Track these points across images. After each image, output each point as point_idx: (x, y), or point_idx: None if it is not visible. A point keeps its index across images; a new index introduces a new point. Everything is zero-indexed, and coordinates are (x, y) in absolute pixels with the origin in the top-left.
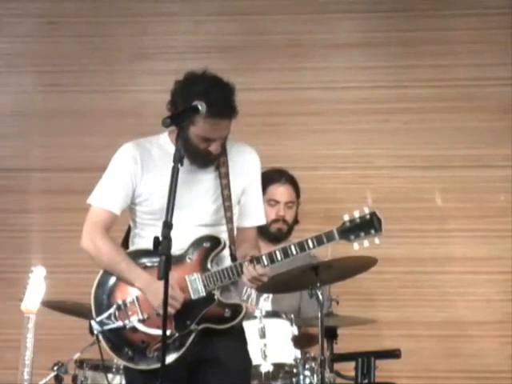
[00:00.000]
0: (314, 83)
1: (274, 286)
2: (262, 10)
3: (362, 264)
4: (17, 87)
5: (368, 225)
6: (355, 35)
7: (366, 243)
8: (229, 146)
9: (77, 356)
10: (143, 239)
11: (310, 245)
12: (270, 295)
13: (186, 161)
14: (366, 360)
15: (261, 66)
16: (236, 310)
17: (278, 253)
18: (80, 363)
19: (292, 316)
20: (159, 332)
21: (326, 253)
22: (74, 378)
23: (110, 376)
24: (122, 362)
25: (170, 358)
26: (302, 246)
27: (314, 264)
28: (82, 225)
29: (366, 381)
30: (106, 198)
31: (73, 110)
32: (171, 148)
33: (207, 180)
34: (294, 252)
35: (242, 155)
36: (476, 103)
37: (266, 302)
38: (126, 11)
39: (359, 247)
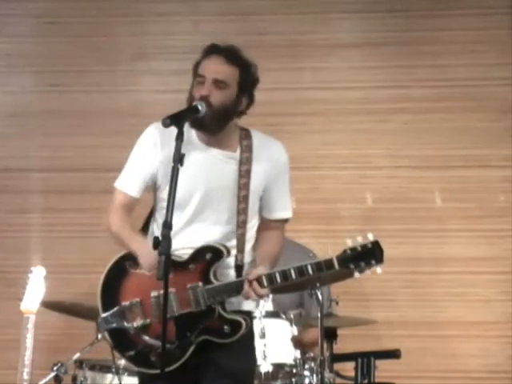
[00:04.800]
0: (314, 83)
1: None
2: (262, 10)
3: None
4: (17, 87)
5: (369, 254)
6: (355, 35)
7: (366, 271)
8: (255, 139)
9: (76, 356)
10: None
11: (310, 271)
12: None
13: (204, 147)
14: (366, 360)
15: (261, 66)
16: (235, 326)
17: (277, 275)
18: (80, 363)
19: (292, 316)
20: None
21: (326, 253)
22: (74, 378)
23: (109, 376)
24: (124, 362)
25: (171, 367)
26: (301, 271)
27: None
28: (81, 225)
29: (366, 381)
30: (125, 181)
31: (73, 110)
32: (190, 132)
33: (227, 174)
34: (294, 276)
35: (267, 151)
36: (476, 103)
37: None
38: (126, 11)
39: (360, 275)
